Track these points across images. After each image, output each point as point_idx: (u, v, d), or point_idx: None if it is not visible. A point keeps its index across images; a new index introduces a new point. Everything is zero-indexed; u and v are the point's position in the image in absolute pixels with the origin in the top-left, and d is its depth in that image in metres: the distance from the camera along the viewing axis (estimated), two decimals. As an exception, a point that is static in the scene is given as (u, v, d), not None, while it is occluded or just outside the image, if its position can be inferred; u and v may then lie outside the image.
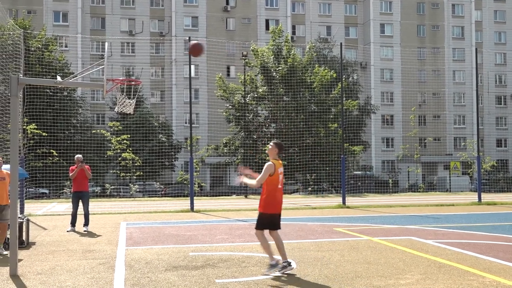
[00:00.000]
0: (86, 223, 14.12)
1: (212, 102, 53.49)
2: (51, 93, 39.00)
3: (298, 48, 54.43)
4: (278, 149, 8.32)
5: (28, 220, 11.87)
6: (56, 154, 31.08)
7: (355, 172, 46.33)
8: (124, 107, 9.88)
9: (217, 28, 62.85)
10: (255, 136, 42.21)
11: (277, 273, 8.00)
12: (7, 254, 10.00)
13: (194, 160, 22.39)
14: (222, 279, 7.77)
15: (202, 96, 59.56)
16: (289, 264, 8.14)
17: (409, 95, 63.19)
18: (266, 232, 8.43)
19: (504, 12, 70.84)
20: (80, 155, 14.37)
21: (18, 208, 9.97)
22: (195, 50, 9.26)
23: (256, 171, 8.73)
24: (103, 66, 9.24)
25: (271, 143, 8.38)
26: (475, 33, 68.92)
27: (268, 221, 8.39)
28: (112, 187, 37.01)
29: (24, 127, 24.08)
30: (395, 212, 19.79)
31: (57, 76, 9.66)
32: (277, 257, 8.25)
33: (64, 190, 34.20)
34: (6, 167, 10.62)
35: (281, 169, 8.31)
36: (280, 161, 8.43)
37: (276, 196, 8.27)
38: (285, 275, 8.00)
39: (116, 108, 10.10)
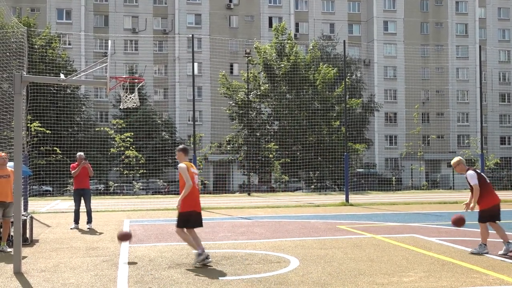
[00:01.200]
0: (89, 221, 14.15)
1: (215, 99, 53.50)
2: (54, 91, 39.05)
3: (301, 46, 54.33)
4: (184, 154, 9.05)
5: (31, 218, 11.91)
6: (60, 152, 31.12)
7: (358, 170, 46.32)
8: (129, 102, 9.89)
9: (220, 26, 62.80)
10: (258, 134, 42.19)
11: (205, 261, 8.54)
12: (11, 252, 10.03)
13: (197, 158, 22.39)
14: (225, 277, 7.78)
15: (205, 94, 59.55)
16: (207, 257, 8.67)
17: (413, 93, 63.06)
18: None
19: (508, 10, 70.58)
20: (82, 153, 14.38)
21: (22, 206, 9.99)
22: (123, 237, 9.85)
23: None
24: (106, 64, 9.25)
25: (176, 150, 9.11)
26: (479, 30, 68.70)
27: (186, 218, 8.77)
28: (116, 184, 37.05)
29: (27, 124, 24.13)
30: (398, 209, 19.77)
31: (61, 74, 9.68)
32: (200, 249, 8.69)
33: (68, 188, 34.26)
34: (10, 165, 10.64)
35: (193, 169, 8.92)
36: (190, 163, 9.10)
37: (193, 194, 8.81)
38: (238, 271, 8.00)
39: (121, 105, 10.13)
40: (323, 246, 10.53)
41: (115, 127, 40.63)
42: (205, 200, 24.88)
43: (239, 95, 42.50)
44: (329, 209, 20.10)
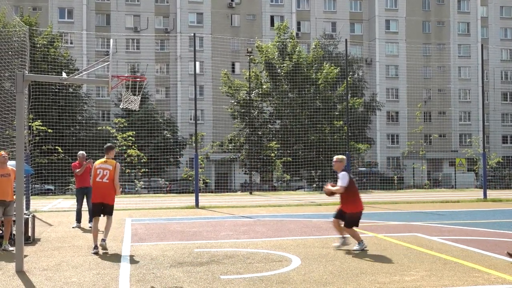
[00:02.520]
0: (91, 219, 14.13)
1: (217, 98, 53.51)
2: (56, 90, 39.06)
3: (303, 45, 54.32)
4: (105, 151, 10.62)
5: (33, 217, 11.92)
6: (61, 151, 31.14)
7: (360, 169, 46.30)
8: (129, 103, 9.89)
9: (222, 25, 62.80)
10: (260, 133, 42.19)
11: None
12: (13, 250, 10.04)
13: (199, 157, 22.43)
14: (227, 275, 7.79)
15: (207, 93, 59.58)
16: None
17: (415, 92, 63.01)
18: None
19: (510, 8, 70.48)
20: (83, 152, 14.38)
21: (24, 205, 10.01)
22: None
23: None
24: (108, 63, 9.26)
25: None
26: (481, 29, 68.62)
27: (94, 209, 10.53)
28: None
29: (29, 123, 24.15)
30: (400, 208, 19.77)
31: (63, 72, 9.69)
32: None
33: (70, 187, 34.27)
34: (11, 163, 10.66)
35: (101, 165, 10.33)
36: (109, 160, 10.53)
37: (96, 187, 10.37)
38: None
39: (121, 105, 10.13)
40: (325, 245, 10.53)
41: (117, 126, 40.64)
42: (207, 199, 24.90)
43: (240, 94, 42.50)
44: (331, 208, 20.05)
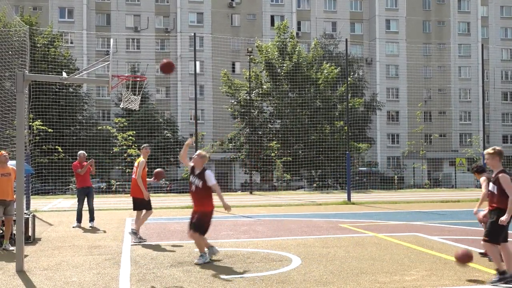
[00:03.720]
0: (91, 219, 14.15)
1: (217, 98, 53.50)
2: (56, 90, 39.05)
3: (303, 44, 54.32)
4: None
5: (34, 216, 11.92)
6: (62, 151, 31.15)
7: (360, 168, 46.26)
8: (129, 103, 9.89)
9: (222, 24, 62.79)
10: (260, 132, 42.19)
11: None
12: (13, 250, 10.05)
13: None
14: (227, 275, 7.79)
15: (207, 92, 59.57)
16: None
17: (415, 91, 62.99)
18: None
19: (511, 8, 70.44)
20: (83, 152, 14.38)
21: (24, 204, 10.01)
22: (166, 68, 9.14)
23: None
24: (108, 63, 9.26)
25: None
26: (481, 28, 68.58)
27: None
28: (118, 183, 37.03)
29: (30, 123, 24.16)
30: (400, 208, 19.77)
31: (63, 72, 9.68)
32: None
33: (70, 186, 34.27)
34: (12, 163, 10.66)
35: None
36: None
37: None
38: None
39: (121, 104, 10.13)
40: (325, 245, 10.53)
41: (117, 125, 40.64)
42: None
43: (241, 94, 42.50)
44: (331, 208, 20.10)
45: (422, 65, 65.95)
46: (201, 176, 9.16)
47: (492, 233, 7.30)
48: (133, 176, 11.44)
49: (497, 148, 7.58)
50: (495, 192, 7.36)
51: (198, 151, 9.50)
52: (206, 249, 8.91)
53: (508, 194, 7.17)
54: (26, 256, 9.26)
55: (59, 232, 13.13)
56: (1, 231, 11.08)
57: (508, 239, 7.51)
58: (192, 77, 53.97)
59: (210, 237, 11.68)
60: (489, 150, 7.58)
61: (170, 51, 61.93)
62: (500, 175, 7.36)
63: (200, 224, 8.96)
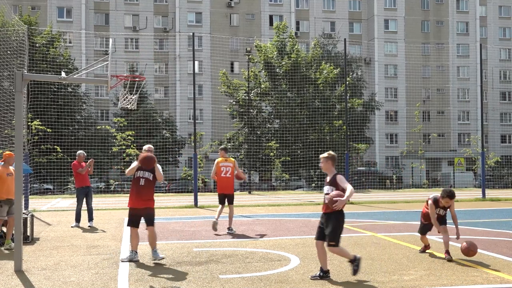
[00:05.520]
0: (90, 219, 14.14)
1: (216, 98, 53.49)
2: (55, 89, 39.05)
3: (302, 44, 54.32)
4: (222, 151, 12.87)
5: (32, 216, 11.91)
6: (60, 150, 31.13)
7: (359, 168, 46.29)
8: (127, 103, 9.88)
9: (221, 24, 62.78)
10: (258, 132, 42.18)
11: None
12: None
13: (198, 156, 22.45)
14: (225, 275, 7.79)
15: (206, 92, 59.56)
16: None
17: (413, 91, 63.04)
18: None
19: (509, 8, 70.52)
20: (83, 151, 14.38)
21: (23, 204, 10.02)
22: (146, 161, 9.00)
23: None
24: (107, 62, 9.25)
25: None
26: (480, 28, 68.65)
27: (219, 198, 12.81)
28: (116, 183, 37.05)
29: (28, 123, 24.14)
30: (398, 208, 19.78)
31: (62, 72, 9.68)
32: None
33: (69, 186, 34.26)
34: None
35: (223, 163, 12.76)
36: (229, 158, 12.97)
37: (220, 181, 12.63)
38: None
39: (119, 104, 10.12)
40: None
41: (116, 125, 40.64)
42: (206, 198, 24.88)
43: (239, 94, 42.50)
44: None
45: (421, 65, 65.99)
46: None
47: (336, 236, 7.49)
48: (228, 175, 12.68)
49: (332, 153, 7.84)
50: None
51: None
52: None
53: (345, 188, 7.41)
54: (24, 255, 9.25)
55: (57, 232, 13.12)
56: (1, 231, 11.12)
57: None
58: (190, 76, 53.98)
59: (208, 237, 11.69)
60: (324, 154, 7.84)
61: (168, 50, 61.92)
62: (337, 176, 7.56)
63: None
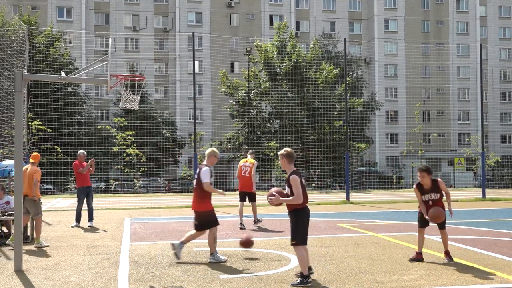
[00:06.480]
0: (90, 218, 14.13)
1: (216, 98, 53.49)
2: (55, 89, 39.03)
3: (302, 44, 54.30)
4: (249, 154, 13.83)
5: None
6: (60, 150, 31.12)
7: (359, 168, 46.27)
8: (128, 102, 9.89)
9: (221, 24, 62.77)
10: (259, 132, 42.17)
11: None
12: (48, 246, 10.59)
13: (198, 156, 22.42)
14: (226, 275, 7.79)
15: (206, 92, 59.56)
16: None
17: (413, 91, 63.01)
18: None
19: (509, 8, 70.52)
20: (83, 151, 14.37)
21: (22, 204, 10.00)
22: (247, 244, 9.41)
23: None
24: (107, 62, 9.25)
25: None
26: (480, 28, 68.64)
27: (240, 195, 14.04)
28: (116, 183, 37.04)
29: (28, 123, 24.15)
30: (399, 208, 19.77)
31: (62, 72, 9.68)
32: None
33: (69, 186, 34.25)
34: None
35: (244, 164, 13.72)
36: (249, 160, 13.82)
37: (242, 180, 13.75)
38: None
39: (120, 104, 10.13)
40: (324, 244, 10.53)
41: (116, 125, 40.63)
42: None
43: (239, 94, 42.48)
44: (330, 207, 20.10)
45: (421, 65, 65.97)
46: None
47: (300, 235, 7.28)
48: (246, 174, 13.52)
49: (288, 149, 7.57)
50: (289, 193, 7.33)
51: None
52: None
53: (294, 193, 7.20)
54: (24, 255, 9.25)
55: (57, 231, 13.12)
56: (1, 231, 11.16)
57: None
58: (190, 76, 53.95)
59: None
60: (281, 151, 7.61)
61: (168, 50, 61.92)
62: (291, 177, 7.32)
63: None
